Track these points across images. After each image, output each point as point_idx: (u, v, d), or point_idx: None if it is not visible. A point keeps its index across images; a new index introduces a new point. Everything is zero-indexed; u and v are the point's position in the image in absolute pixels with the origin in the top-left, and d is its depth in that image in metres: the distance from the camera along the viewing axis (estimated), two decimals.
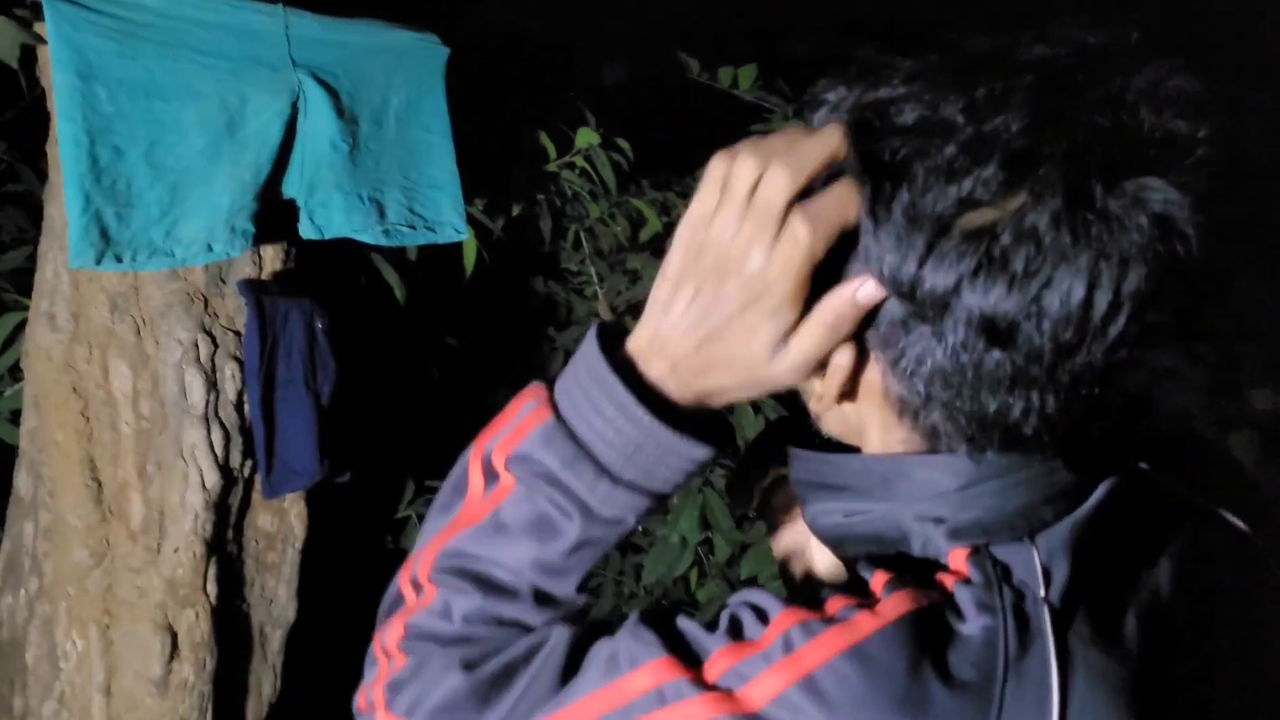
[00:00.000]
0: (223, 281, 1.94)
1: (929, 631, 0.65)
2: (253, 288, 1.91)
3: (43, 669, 1.92)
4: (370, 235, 1.95)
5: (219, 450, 1.92)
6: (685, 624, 0.71)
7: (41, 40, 1.72)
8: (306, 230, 1.89)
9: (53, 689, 1.92)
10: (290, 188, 1.87)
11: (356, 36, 1.91)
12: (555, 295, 3.03)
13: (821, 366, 0.73)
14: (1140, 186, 0.62)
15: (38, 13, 1.72)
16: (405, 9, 2.07)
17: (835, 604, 0.67)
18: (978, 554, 0.70)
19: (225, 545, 2.00)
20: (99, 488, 1.88)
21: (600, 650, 0.72)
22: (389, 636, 0.80)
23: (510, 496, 0.77)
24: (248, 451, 1.98)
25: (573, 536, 0.75)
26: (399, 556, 2.59)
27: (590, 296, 2.97)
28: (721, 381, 0.74)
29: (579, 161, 2.60)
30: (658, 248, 2.91)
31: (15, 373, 2.15)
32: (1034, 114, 0.63)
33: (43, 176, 2.52)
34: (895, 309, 0.68)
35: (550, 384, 0.80)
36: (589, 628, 0.76)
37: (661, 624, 0.71)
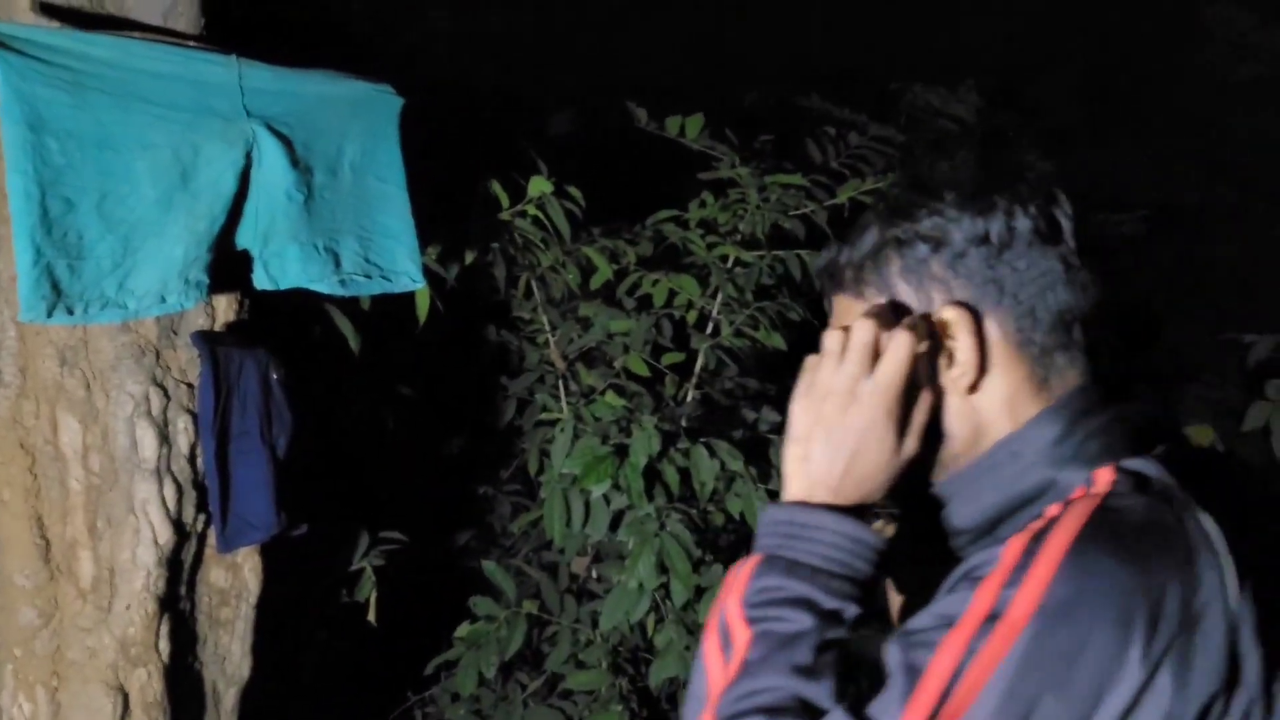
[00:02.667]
0: (175, 333, 1.91)
1: (1117, 515, 0.87)
2: (206, 339, 1.89)
3: None
4: (326, 285, 1.94)
5: (171, 505, 1.88)
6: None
7: None
8: (261, 281, 1.88)
9: None
10: (244, 238, 1.86)
11: (310, 86, 1.91)
12: (508, 344, 3.03)
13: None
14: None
15: None
16: (355, 61, 2.07)
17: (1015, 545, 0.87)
18: (1117, 467, 0.93)
19: (178, 602, 1.96)
20: (47, 546, 1.84)
21: None
22: None
23: (749, 644, 0.93)
24: (201, 505, 1.95)
25: (810, 632, 0.92)
26: (353, 610, 2.56)
27: (542, 345, 2.97)
28: (874, 483, 0.98)
29: (531, 209, 2.61)
30: (609, 295, 2.92)
31: None
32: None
33: None
34: (979, 263, 0.99)
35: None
36: None
37: None
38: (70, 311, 1.62)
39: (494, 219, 2.62)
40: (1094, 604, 0.81)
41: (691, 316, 2.88)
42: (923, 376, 0.99)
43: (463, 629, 2.67)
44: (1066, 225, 0.99)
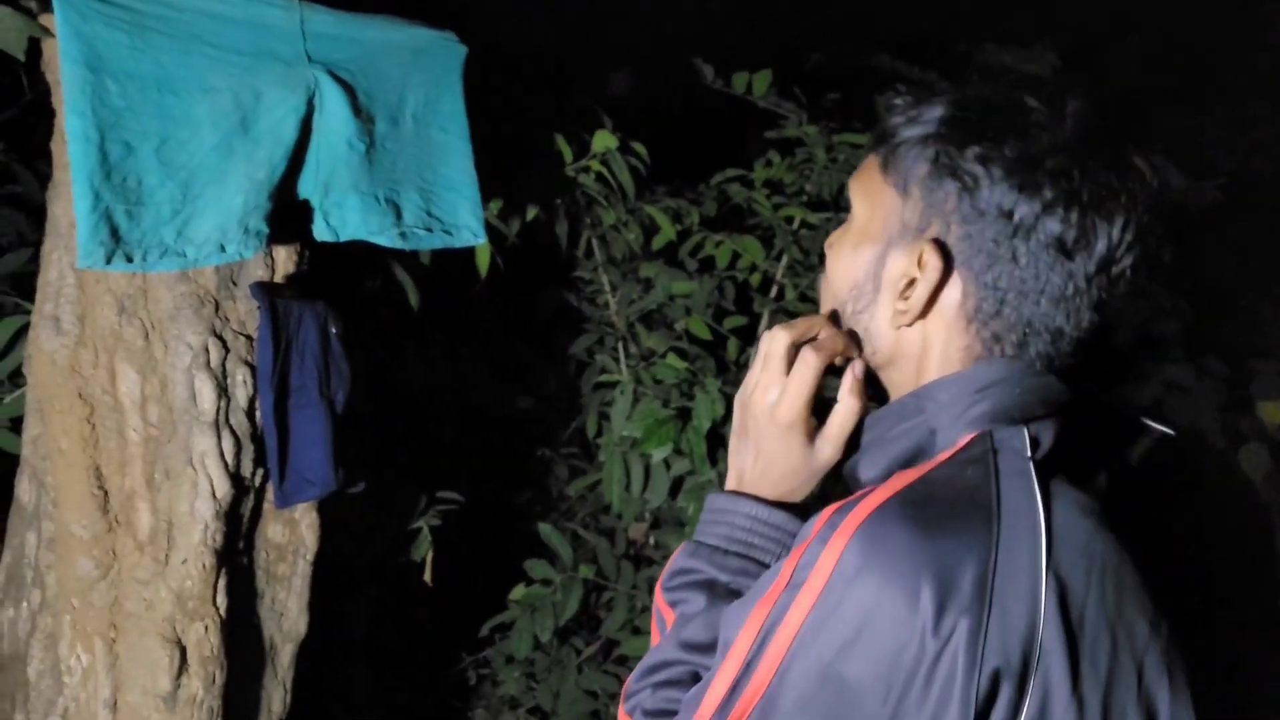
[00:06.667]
0: (234, 284, 1.88)
1: (928, 487, 0.87)
2: (266, 290, 1.85)
3: (45, 684, 1.86)
4: (386, 238, 1.89)
5: (230, 458, 1.85)
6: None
7: (48, 32, 1.67)
8: (321, 232, 1.83)
9: (56, 705, 1.85)
10: (305, 187, 1.81)
11: (373, 32, 1.86)
12: (567, 303, 2.98)
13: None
14: (1158, 159, 0.93)
15: (44, 4, 1.67)
16: (414, 13, 2.02)
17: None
18: (981, 434, 0.92)
19: (235, 557, 1.94)
20: (105, 497, 1.82)
21: None
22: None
23: (673, 626, 1.02)
24: (259, 460, 1.92)
25: (704, 610, 1.00)
26: (410, 570, 2.54)
27: (602, 305, 2.92)
28: (792, 484, 1.05)
29: (595, 165, 2.54)
30: (671, 256, 2.86)
31: (15, 379, 2.09)
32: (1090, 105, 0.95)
33: (40, 177, 2.47)
34: (990, 233, 0.94)
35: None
36: None
37: None
38: (129, 259, 1.59)
39: (556, 174, 2.56)
40: (881, 571, 0.81)
41: (755, 279, 2.82)
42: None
43: (518, 591, 2.64)
44: (1102, 249, 0.93)
